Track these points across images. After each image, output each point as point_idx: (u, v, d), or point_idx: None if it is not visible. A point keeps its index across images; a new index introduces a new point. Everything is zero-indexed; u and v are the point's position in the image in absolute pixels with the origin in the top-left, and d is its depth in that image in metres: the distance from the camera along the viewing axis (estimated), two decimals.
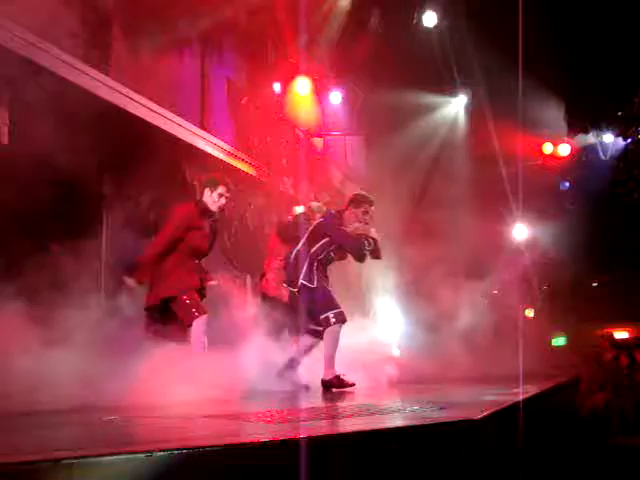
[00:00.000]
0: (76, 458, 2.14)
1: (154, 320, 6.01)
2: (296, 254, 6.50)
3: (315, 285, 6.33)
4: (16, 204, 5.94)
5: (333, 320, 6.19)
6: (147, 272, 6.03)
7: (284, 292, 6.80)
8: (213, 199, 6.19)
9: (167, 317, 6.02)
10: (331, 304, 6.28)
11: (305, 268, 6.37)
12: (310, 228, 6.58)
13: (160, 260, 6.04)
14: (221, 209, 6.28)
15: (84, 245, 7.70)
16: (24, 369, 4.30)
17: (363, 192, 6.91)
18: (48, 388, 4.15)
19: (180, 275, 6.00)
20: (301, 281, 6.35)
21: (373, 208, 6.54)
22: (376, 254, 6.51)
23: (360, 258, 6.44)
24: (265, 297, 7.12)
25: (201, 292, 6.15)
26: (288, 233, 7.11)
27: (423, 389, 6.70)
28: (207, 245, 6.27)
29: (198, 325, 5.80)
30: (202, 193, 6.26)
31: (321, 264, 6.45)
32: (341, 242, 6.44)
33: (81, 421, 3.78)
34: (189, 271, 6.07)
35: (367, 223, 6.49)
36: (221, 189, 6.21)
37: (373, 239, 6.43)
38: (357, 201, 6.55)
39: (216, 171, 6.61)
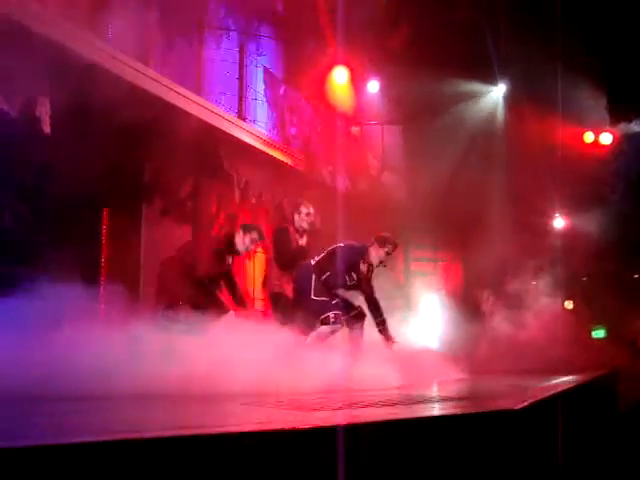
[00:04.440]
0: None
1: None
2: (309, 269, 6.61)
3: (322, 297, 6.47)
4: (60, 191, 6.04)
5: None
6: None
7: (286, 287, 7.22)
8: (244, 242, 6.65)
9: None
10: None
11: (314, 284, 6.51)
12: (328, 250, 6.65)
13: None
14: (248, 252, 6.66)
15: (122, 234, 7.81)
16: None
17: (389, 234, 6.95)
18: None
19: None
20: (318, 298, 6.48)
21: (393, 250, 6.73)
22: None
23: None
24: (272, 294, 7.47)
25: None
26: (286, 262, 7.28)
27: (464, 381, 6.68)
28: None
29: None
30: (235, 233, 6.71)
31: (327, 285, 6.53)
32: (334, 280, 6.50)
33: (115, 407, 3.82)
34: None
35: (385, 265, 6.69)
36: (255, 234, 6.69)
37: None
38: (383, 240, 6.68)
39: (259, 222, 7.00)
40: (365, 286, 6.64)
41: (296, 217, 7.38)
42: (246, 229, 6.74)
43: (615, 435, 6.75)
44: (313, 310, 6.43)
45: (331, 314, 6.32)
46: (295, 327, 6.42)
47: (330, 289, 6.47)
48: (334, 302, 6.41)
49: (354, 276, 6.55)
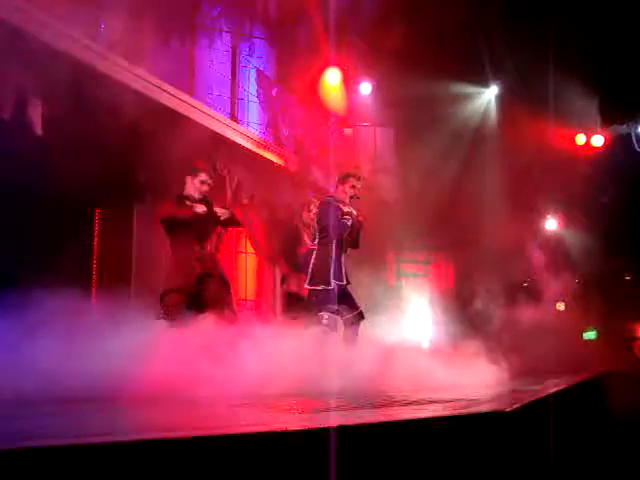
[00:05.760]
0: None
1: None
2: (310, 254, 6.71)
3: (332, 286, 6.51)
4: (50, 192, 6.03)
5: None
6: None
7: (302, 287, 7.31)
8: (195, 186, 6.28)
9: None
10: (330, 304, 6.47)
11: (315, 269, 6.58)
12: (315, 225, 6.87)
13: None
14: (204, 196, 6.32)
15: (114, 235, 7.80)
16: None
17: (348, 170, 7.28)
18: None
19: (171, 272, 6.13)
20: (315, 287, 6.57)
21: (360, 182, 6.85)
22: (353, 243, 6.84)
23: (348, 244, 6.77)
24: (290, 294, 7.73)
25: (202, 280, 6.16)
26: (298, 263, 7.42)
27: (455, 382, 6.66)
28: (201, 231, 6.30)
29: None
30: (185, 181, 6.35)
31: (338, 257, 6.62)
32: (331, 227, 6.65)
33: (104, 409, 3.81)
34: (182, 265, 6.11)
35: (356, 196, 6.78)
36: (202, 176, 6.30)
37: (352, 223, 6.69)
38: (343, 178, 6.86)
39: (198, 159, 6.75)
40: (356, 226, 6.78)
41: (304, 214, 7.70)
42: (192, 173, 6.33)
43: (607, 438, 6.75)
44: (313, 300, 6.57)
45: (325, 315, 6.33)
46: (300, 324, 6.45)
47: (340, 245, 6.61)
48: (332, 290, 6.44)
49: (347, 217, 6.65)
